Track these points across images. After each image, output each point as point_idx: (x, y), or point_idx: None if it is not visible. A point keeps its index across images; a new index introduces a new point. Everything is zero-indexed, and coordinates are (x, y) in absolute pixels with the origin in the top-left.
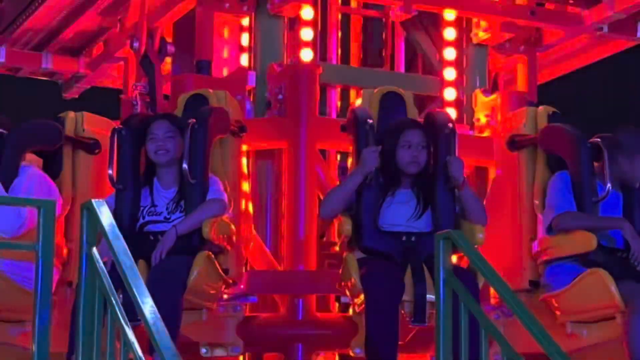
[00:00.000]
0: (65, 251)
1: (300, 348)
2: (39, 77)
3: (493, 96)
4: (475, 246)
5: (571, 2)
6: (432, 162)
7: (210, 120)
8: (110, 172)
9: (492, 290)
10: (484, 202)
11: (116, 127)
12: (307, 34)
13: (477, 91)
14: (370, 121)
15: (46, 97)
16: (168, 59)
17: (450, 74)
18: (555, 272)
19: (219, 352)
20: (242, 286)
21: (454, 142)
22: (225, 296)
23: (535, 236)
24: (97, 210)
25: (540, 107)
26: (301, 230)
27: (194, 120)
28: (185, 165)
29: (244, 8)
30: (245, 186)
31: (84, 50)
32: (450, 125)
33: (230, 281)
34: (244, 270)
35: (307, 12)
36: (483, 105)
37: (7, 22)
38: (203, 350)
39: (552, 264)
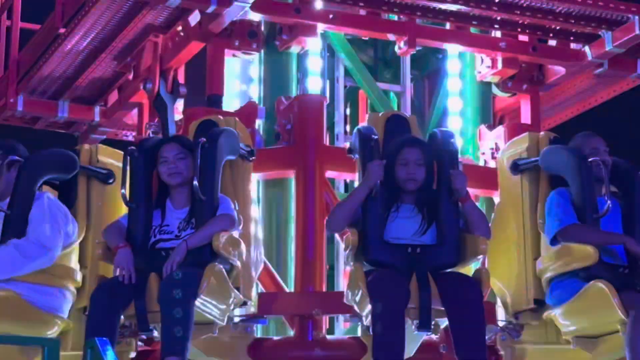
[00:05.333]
0: (79, 277)
1: None
2: (55, 130)
3: (496, 130)
4: (479, 257)
5: (572, 38)
6: (435, 178)
7: (221, 140)
8: (123, 191)
9: (499, 312)
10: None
11: (129, 148)
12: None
13: (482, 126)
14: (375, 137)
15: None
16: None
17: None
18: (558, 288)
19: None
20: (252, 308)
21: (456, 157)
22: (236, 319)
23: (538, 255)
24: (101, 349)
25: (542, 133)
26: (310, 254)
27: (204, 139)
28: (195, 182)
29: (253, 45)
30: (254, 210)
31: (99, 99)
32: (453, 140)
33: (241, 297)
34: (254, 293)
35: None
36: (488, 139)
37: (24, 71)
38: None
39: (555, 281)
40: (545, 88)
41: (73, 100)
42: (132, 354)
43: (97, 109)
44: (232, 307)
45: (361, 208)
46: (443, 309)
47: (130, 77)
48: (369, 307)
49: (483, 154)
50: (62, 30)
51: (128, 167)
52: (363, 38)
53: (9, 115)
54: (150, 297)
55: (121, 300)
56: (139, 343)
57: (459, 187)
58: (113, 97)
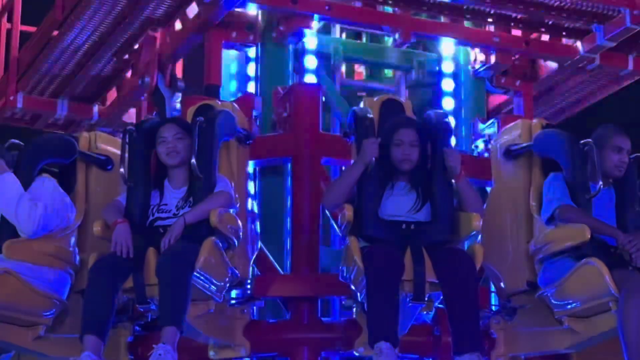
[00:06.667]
0: (78, 260)
1: (306, 351)
2: (54, 131)
3: (490, 122)
4: (473, 233)
5: (564, 34)
6: (429, 157)
7: (218, 120)
8: (122, 169)
9: (493, 297)
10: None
11: (128, 127)
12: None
13: (476, 120)
14: (371, 116)
15: None
16: None
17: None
18: (551, 268)
19: (226, 354)
20: (248, 291)
21: (450, 137)
22: (233, 301)
23: (531, 239)
24: None
25: (535, 120)
26: (305, 238)
27: (202, 118)
28: (193, 160)
29: (250, 37)
30: (251, 190)
31: (98, 97)
32: (447, 120)
33: (238, 273)
34: (250, 274)
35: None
36: (481, 132)
37: (24, 69)
38: (211, 353)
39: (547, 261)
40: (538, 84)
41: (72, 99)
42: (130, 339)
43: (95, 108)
44: (228, 284)
45: (356, 185)
46: (437, 281)
47: (129, 74)
48: (364, 282)
49: (476, 146)
50: (55, 34)
51: (127, 147)
52: (359, 94)
53: (8, 115)
54: (148, 271)
55: (119, 274)
56: (136, 328)
57: (453, 165)
58: (112, 96)
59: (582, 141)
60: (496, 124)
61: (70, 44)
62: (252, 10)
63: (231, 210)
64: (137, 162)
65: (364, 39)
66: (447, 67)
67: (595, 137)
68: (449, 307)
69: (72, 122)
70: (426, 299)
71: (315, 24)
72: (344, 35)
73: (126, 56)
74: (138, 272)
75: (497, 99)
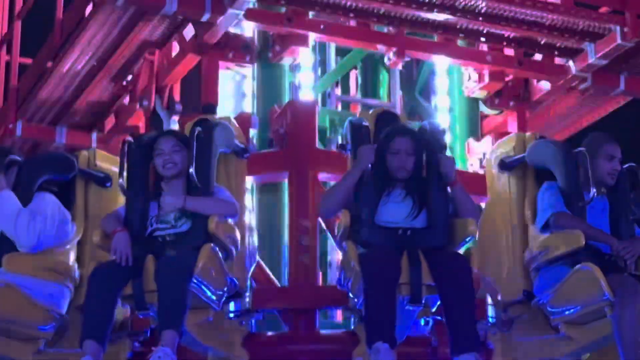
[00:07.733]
0: (77, 275)
1: None
2: None
3: (484, 140)
4: (469, 238)
5: (557, 53)
6: (425, 165)
7: (216, 131)
8: (120, 180)
9: (489, 309)
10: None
11: (127, 139)
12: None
13: (470, 139)
14: (366, 124)
15: None
16: None
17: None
18: (546, 276)
19: None
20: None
21: (445, 145)
22: (231, 314)
23: (527, 247)
24: None
25: (528, 132)
26: (303, 252)
27: (200, 129)
28: (192, 170)
29: (246, 57)
30: (248, 202)
31: (96, 125)
32: (441, 130)
33: (236, 281)
34: (248, 286)
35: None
36: (475, 150)
37: (23, 97)
38: None
39: (543, 269)
40: (531, 105)
41: (71, 127)
42: (129, 354)
43: (94, 136)
44: (226, 293)
45: (353, 193)
46: (433, 285)
47: (127, 100)
48: (362, 288)
49: (471, 165)
50: (49, 65)
51: (126, 158)
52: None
53: (8, 145)
54: (147, 277)
55: (118, 281)
56: (135, 344)
57: (448, 171)
58: (110, 123)
59: (574, 150)
60: (490, 142)
61: (69, 70)
62: (248, 31)
63: (230, 220)
64: (135, 174)
65: (359, 108)
66: (442, 83)
67: (587, 145)
68: (446, 308)
69: (72, 150)
70: (423, 302)
71: (312, 94)
72: (339, 106)
73: (124, 82)
74: (137, 278)
75: (492, 120)
